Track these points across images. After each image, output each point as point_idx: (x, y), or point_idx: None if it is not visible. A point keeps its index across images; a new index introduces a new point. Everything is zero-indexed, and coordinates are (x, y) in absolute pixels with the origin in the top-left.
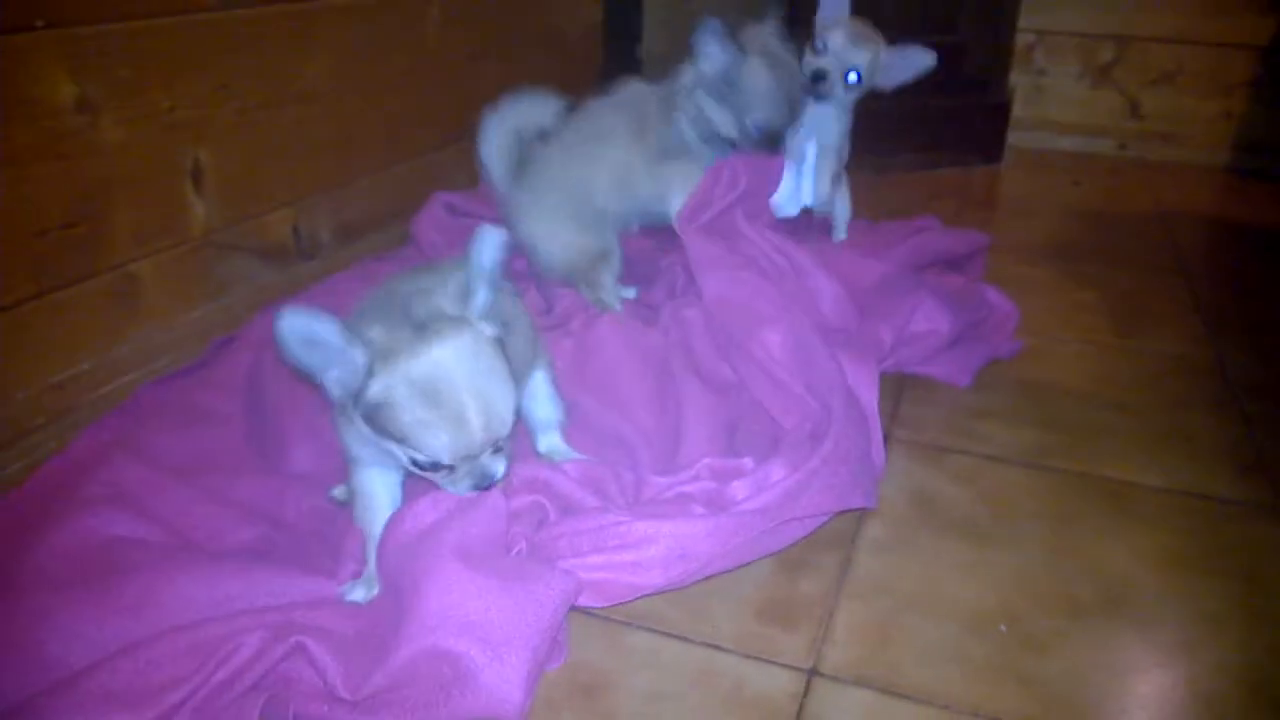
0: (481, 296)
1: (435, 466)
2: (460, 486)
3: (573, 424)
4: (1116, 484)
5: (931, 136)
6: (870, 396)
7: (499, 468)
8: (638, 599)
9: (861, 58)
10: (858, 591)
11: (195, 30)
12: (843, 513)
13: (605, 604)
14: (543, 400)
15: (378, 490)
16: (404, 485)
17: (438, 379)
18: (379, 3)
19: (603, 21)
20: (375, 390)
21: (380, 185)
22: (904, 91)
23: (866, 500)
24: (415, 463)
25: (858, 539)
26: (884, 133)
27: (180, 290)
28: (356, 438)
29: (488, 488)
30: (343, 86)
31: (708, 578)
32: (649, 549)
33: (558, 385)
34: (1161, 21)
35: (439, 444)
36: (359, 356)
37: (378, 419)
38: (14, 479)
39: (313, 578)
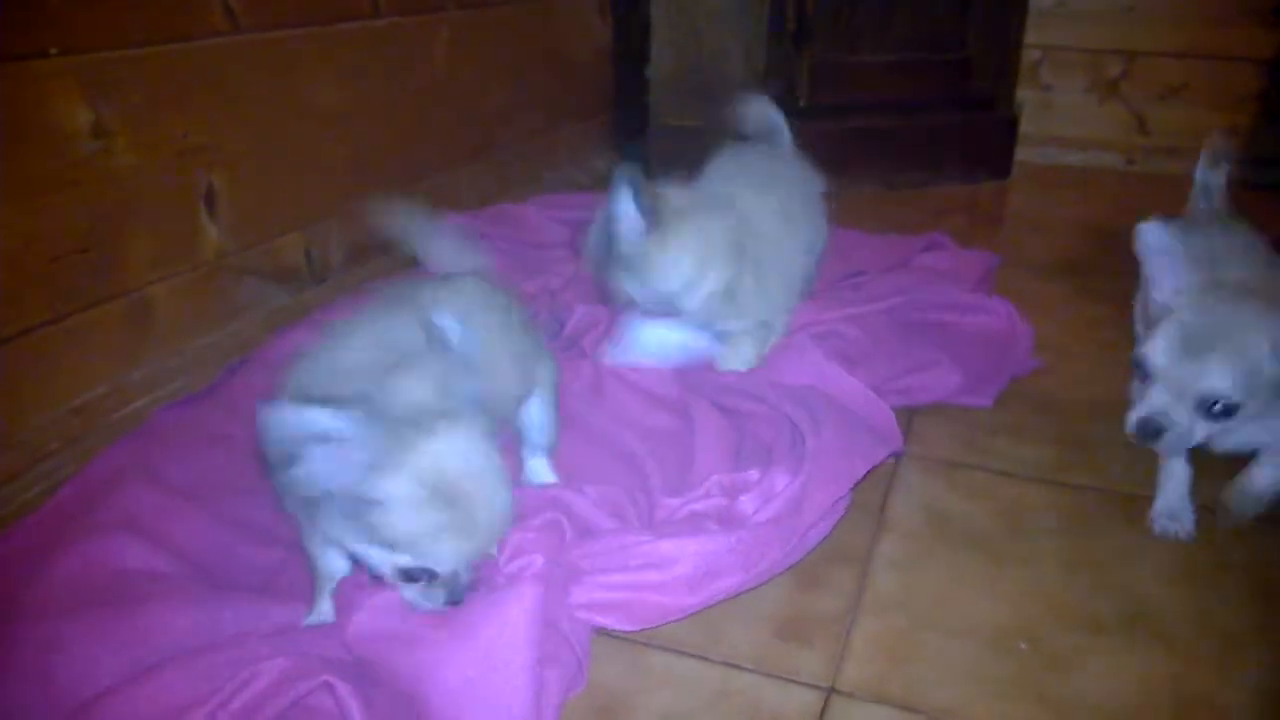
0: (469, 389)
1: (428, 576)
2: (433, 599)
3: (588, 444)
4: (1131, 499)
5: (939, 152)
6: (839, 380)
7: (470, 580)
8: (669, 624)
9: (1225, 379)
10: (875, 608)
11: (208, 55)
12: (860, 510)
13: (634, 627)
14: (536, 424)
15: (334, 563)
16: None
17: (452, 481)
18: (390, 26)
19: (611, 44)
20: (378, 489)
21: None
22: (912, 108)
23: (872, 461)
24: (403, 571)
25: (873, 555)
26: (892, 149)
27: (194, 314)
28: (315, 533)
29: (458, 603)
30: (354, 109)
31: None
32: (675, 568)
33: (555, 406)
34: (1168, 36)
35: (447, 550)
36: (362, 451)
37: (372, 519)
38: (31, 504)
39: None
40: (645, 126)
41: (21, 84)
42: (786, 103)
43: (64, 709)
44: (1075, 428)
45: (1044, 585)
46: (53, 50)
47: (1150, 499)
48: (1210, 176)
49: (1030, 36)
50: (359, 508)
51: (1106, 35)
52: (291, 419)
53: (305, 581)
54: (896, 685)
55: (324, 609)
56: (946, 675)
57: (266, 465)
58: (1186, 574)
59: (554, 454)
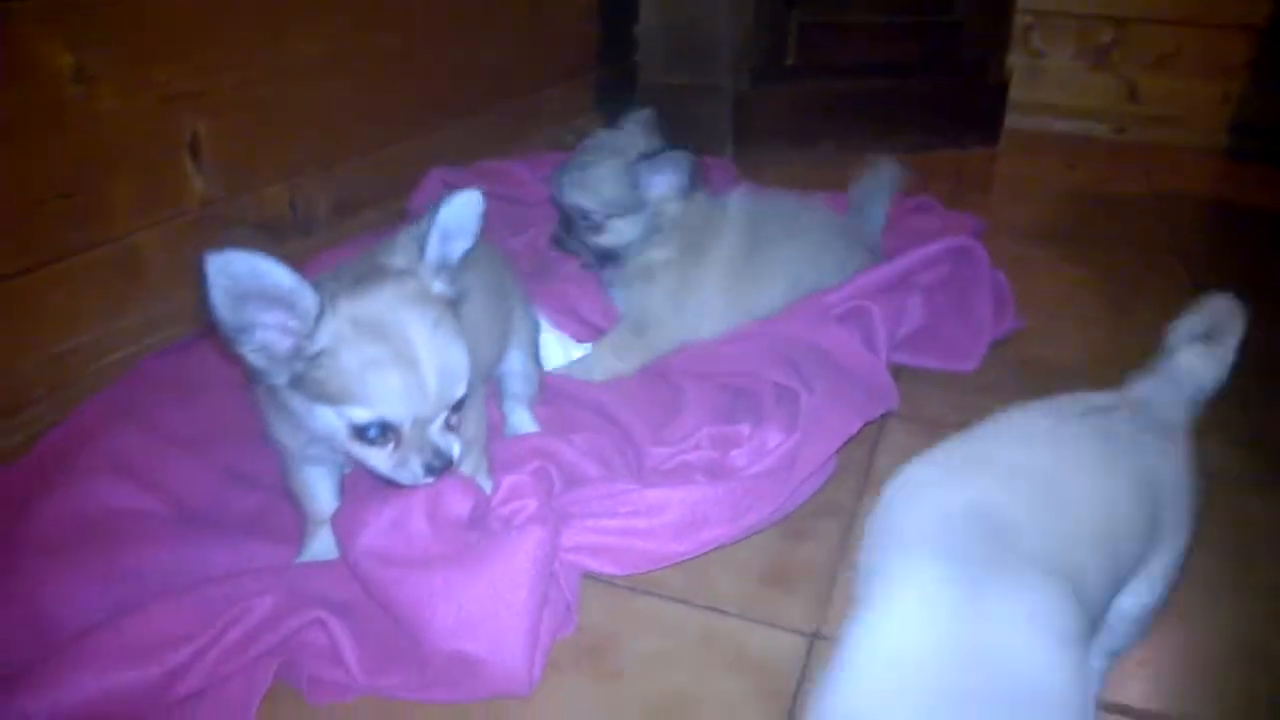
0: (434, 250)
1: (383, 430)
2: (410, 468)
3: (571, 403)
4: None
5: (929, 117)
6: (836, 338)
7: (453, 446)
8: (656, 570)
9: None
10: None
11: (194, 1)
12: (849, 443)
13: (622, 572)
14: (518, 373)
15: (318, 487)
16: (341, 485)
17: (385, 318)
18: None
19: (598, 0)
20: (321, 337)
21: (378, 160)
22: (902, 71)
23: (866, 417)
24: (358, 431)
25: (859, 510)
26: (881, 113)
27: (181, 262)
28: (288, 424)
29: (441, 472)
30: (342, 61)
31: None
32: (662, 515)
33: (536, 358)
34: (1160, 2)
35: (389, 388)
36: (309, 298)
37: (318, 375)
38: (16, 450)
39: None
40: (633, 85)
41: (2, 25)
42: (775, 62)
43: (53, 645)
44: (1058, 388)
45: None
46: None
47: None
48: None
49: (1022, 1)
50: (304, 366)
51: (1098, 1)
52: (240, 264)
53: (293, 524)
54: None
55: (316, 548)
56: None
57: (217, 327)
58: None
59: (535, 407)
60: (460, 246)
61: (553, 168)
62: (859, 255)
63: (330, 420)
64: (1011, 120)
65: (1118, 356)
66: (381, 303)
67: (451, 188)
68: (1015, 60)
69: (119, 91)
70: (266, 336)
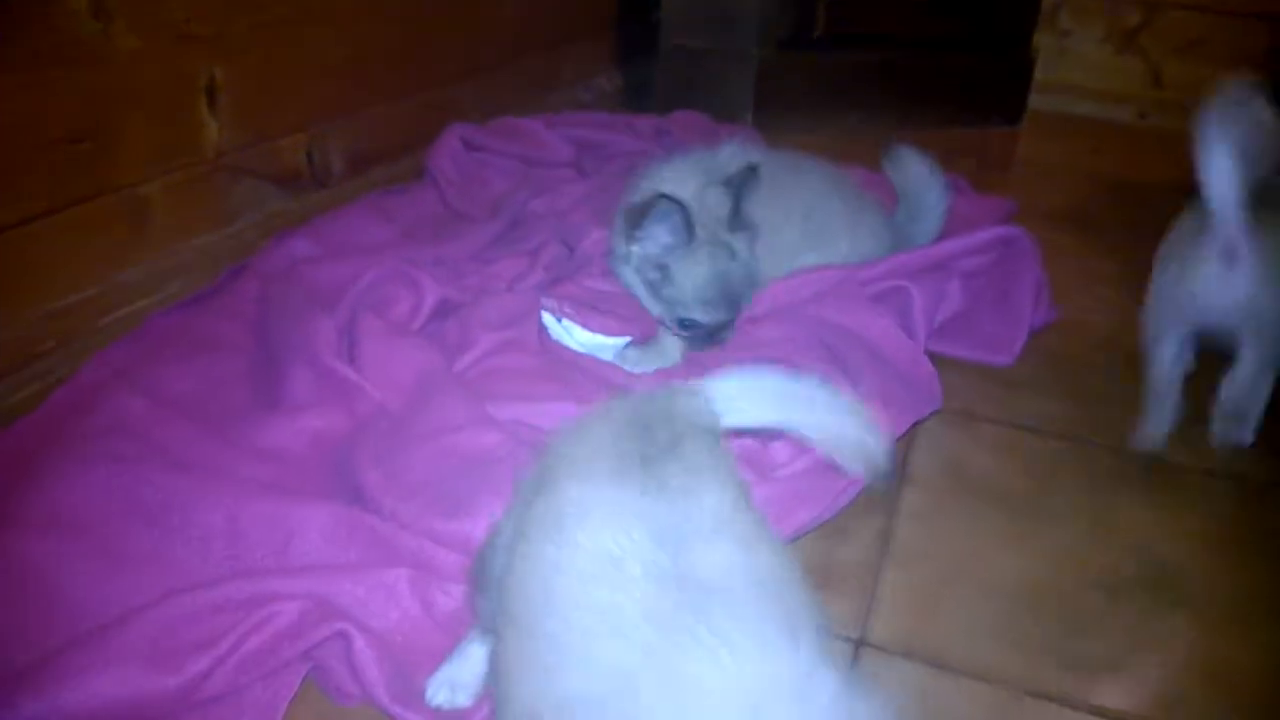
0: None
1: None
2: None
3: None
4: (1151, 459)
5: (952, 94)
6: (883, 330)
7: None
8: None
9: None
10: (900, 560)
11: None
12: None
13: None
14: None
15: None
16: None
17: None
18: None
19: None
20: None
21: (395, 115)
22: (929, 46)
23: (914, 416)
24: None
25: (897, 507)
26: (904, 88)
27: (191, 214)
28: None
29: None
30: (361, 10)
31: None
32: None
33: None
34: None
35: None
36: None
37: None
38: (25, 405)
39: (327, 504)
40: (654, 46)
41: None
42: (802, 32)
43: (77, 631)
44: (1091, 384)
45: (1066, 543)
46: None
47: (1171, 462)
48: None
49: None
50: None
51: None
52: None
53: (299, 490)
54: (925, 640)
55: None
56: (974, 631)
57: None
58: (1208, 536)
59: None
60: None
61: (577, 126)
62: (872, 208)
63: None
64: (1034, 100)
65: None
66: None
67: (470, 145)
68: (1041, 40)
69: (135, 29)
70: None
